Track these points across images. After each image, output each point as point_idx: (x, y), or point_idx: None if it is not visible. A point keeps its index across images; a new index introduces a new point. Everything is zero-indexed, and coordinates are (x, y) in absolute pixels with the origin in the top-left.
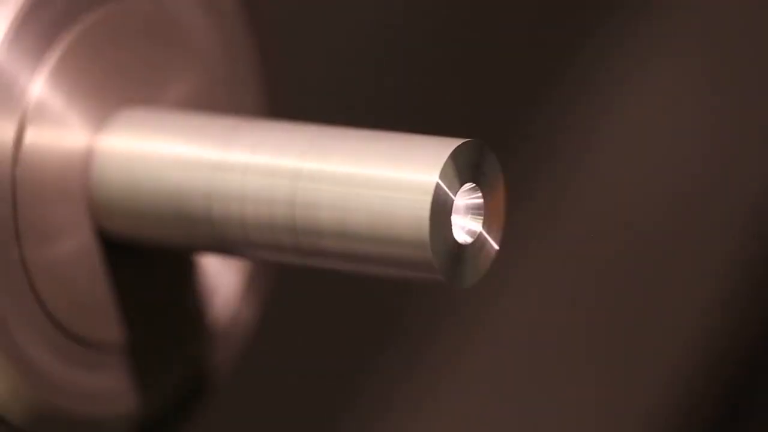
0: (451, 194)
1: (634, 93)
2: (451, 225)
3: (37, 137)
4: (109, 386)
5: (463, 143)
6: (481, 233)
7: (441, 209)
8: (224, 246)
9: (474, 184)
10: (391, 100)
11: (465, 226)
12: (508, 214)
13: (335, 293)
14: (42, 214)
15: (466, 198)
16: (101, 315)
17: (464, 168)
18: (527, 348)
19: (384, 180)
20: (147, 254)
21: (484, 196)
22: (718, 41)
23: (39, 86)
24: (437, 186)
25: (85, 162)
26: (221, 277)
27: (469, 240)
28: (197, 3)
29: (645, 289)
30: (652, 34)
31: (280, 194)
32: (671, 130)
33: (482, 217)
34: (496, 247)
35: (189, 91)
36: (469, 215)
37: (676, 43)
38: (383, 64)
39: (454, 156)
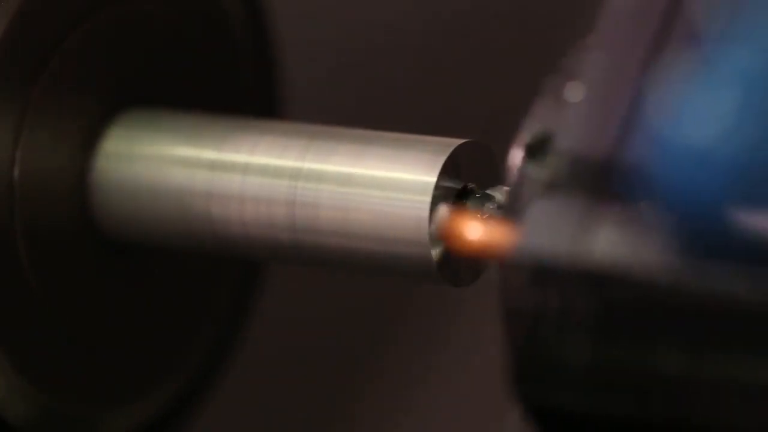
0: (450, 194)
1: None
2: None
3: (36, 137)
4: (109, 386)
5: (462, 143)
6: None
7: (441, 209)
8: (224, 246)
9: (474, 185)
10: (391, 100)
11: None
12: None
13: (334, 293)
14: (41, 214)
15: (465, 198)
16: (101, 314)
17: (464, 168)
18: None
19: (384, 180)
20: (147, 254)
21: (483, 197)
22: None
23: (39, 86)
24: (437, 186)
25: (85, 162)
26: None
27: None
28: (198, 4)
29: None
30: None
31: (280, 194)
32: None
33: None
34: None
35: (190, 91)
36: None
37: None
38: (384, 64)
39: (454, 156)
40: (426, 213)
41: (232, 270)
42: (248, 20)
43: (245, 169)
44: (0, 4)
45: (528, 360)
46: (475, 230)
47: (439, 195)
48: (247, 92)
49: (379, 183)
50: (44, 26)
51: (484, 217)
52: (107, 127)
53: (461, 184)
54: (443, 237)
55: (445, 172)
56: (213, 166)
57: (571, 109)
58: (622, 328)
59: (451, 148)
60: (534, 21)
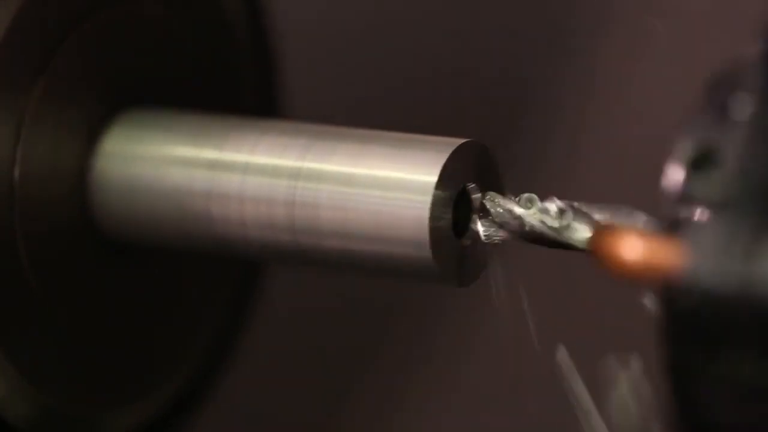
0: (450, 194)
1: (630, 94)
2: (450, 225)
3: (36, 137)
4: (109, 386)
5: (462, 144)
6: (480, 233)
7: (441, 209)
8: (224, 246)
9: (474, 185)
10: (391, 100)
11: (465, 226)
12: None
13: (334, 293)
14: (41, 214)
15: (465, 198)
16: (101, 314)
17: (464, 168)
18: (530, 347)
19: (384, 180)
20: (147, 254)
21: (483, 197)
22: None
23: (39, 86)
24: (437, 186)
25: (85, 162)
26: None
27: (468, 240)
28: (198, 4)
29: None
30: (645, 35)
31: (280, 194)
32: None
33: (482, 217)
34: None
35: (190, 91)
36: (469, 215)
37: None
38: (384, 64)
39: (454, 156)
40: (426, 213)
41: (232, 270)
42: (248, 20)
43: (245, 168)
44: (1, 4)
45: (700, 386)
46: (636, 250)
47: (439, 195)
48: (247, 92)
49: (380, 183)
50: (44, 26)
51: (644, 235)
52: (107, 126)
53: (461, 184)
54: (600, 256)
55: (446, 172)
56: (213, 165)
57: (740, 124)
58: None
59: (452, 148)
60: (535, 21)
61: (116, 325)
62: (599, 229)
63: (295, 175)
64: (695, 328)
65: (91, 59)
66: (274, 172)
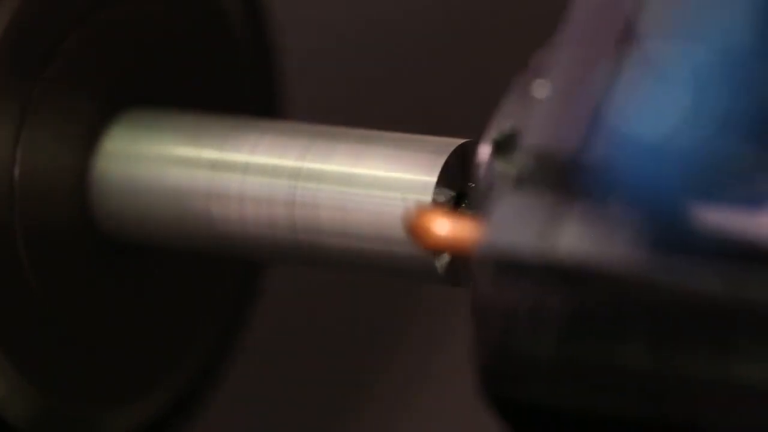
0: (450, 194)
1: None
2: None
3: (36, 136)
4: (109, 386)
5: (462, 143)
6: None
7: (440, 209)
8: (224, 246)
9: (474, 185)
10: (391, 99)
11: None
12: None
13: (335, 292)
14: (41, 214)
15: (465, 198)
16: (101, 314)
17: (464, 168)
18: None
19: (384, 180)
20: (147, 254)
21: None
22: None
23: (39, 85)
24: (437, 186)
25: (85, 161)
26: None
27: None
28: (198, 4)
29: None
30: None
31: (280, 194)
32: None
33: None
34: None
35: (190, 91)
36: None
37: None
38: (384, 64)
39: (454, 156)
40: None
41: (232, 270)
42: (248, 20)
43: (245, 168)
44: (0, 3)
45: (499, 358)
46: (443, 226)
47: (440, 195)
48: (247, 92)
49: (379, 183)
50: (44, 26)
51: (454, 213)
52: (107, 126)
53: (461, 184)
54: (411, 234)
55: (445, 172)
56: (213, 165)
57: (537, 106)
58: (591, 325)
59: (451, 148)
60: (535, 21)
61: (116, 325)
62: (419, 209)
63: (295, 175)
64: (496, 301)
65: (91, 59)
66: (274, 172)
